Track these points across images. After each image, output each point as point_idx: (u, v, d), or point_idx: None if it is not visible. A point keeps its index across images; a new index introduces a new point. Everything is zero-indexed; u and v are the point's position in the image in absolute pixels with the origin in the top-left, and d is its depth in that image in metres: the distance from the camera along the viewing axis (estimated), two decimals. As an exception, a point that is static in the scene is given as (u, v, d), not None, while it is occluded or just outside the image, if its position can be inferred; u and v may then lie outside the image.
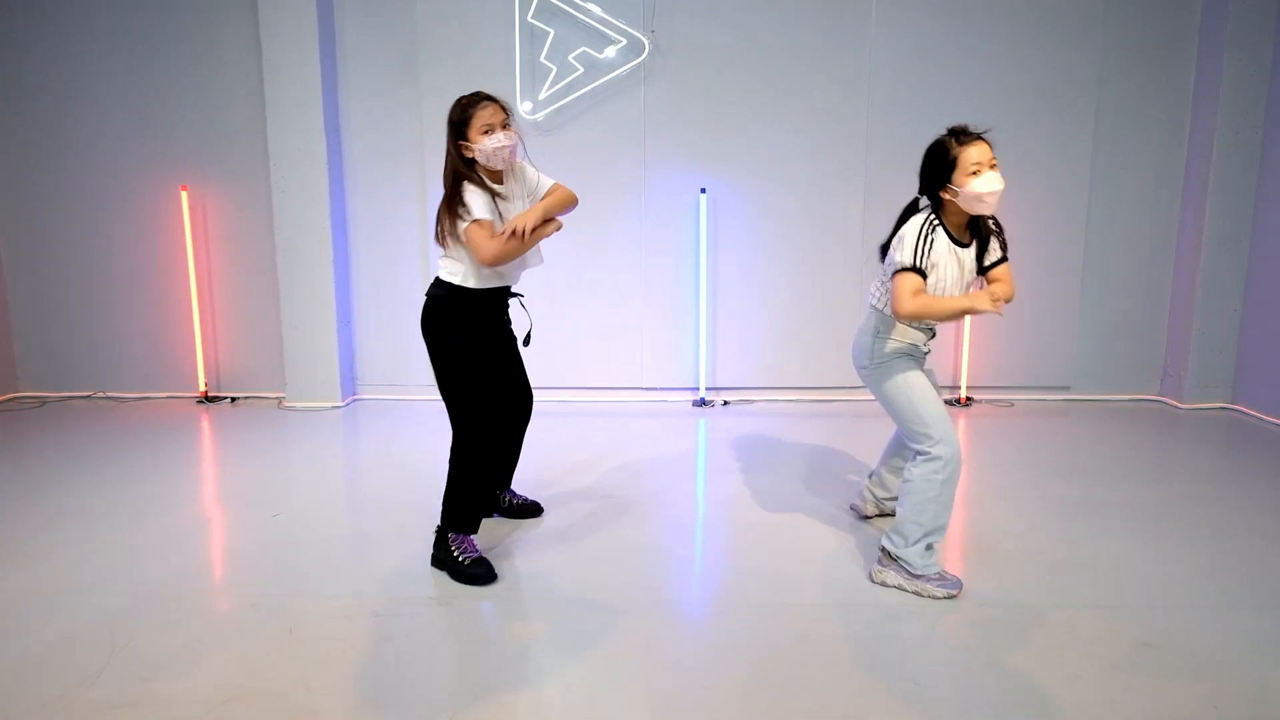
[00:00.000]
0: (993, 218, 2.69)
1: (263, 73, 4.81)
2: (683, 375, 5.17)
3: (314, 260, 4.94)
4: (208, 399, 5.21)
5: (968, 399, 5.04)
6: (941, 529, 2.59)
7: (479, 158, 2.66)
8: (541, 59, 4.80)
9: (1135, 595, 2.59)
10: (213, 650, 2.28)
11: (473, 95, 2.69)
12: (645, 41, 4.76)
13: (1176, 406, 4.97)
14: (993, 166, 2.49)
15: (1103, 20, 4.77)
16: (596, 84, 4.82)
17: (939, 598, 2.56)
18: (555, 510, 3.34)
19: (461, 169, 2.68)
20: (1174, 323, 5.04)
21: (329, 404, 5.06)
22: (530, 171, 2.85)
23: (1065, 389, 5.14)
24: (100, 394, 5.27)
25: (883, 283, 2.73)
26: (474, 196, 2.62)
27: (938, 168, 2.53)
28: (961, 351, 5.03)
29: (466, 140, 2.66)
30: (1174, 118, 4.89)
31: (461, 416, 2.76)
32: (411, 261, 5.12)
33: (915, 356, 2.74)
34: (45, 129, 5.04)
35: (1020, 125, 4.85)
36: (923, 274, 2.51)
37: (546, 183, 2.84)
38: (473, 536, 2.80)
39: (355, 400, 5.23)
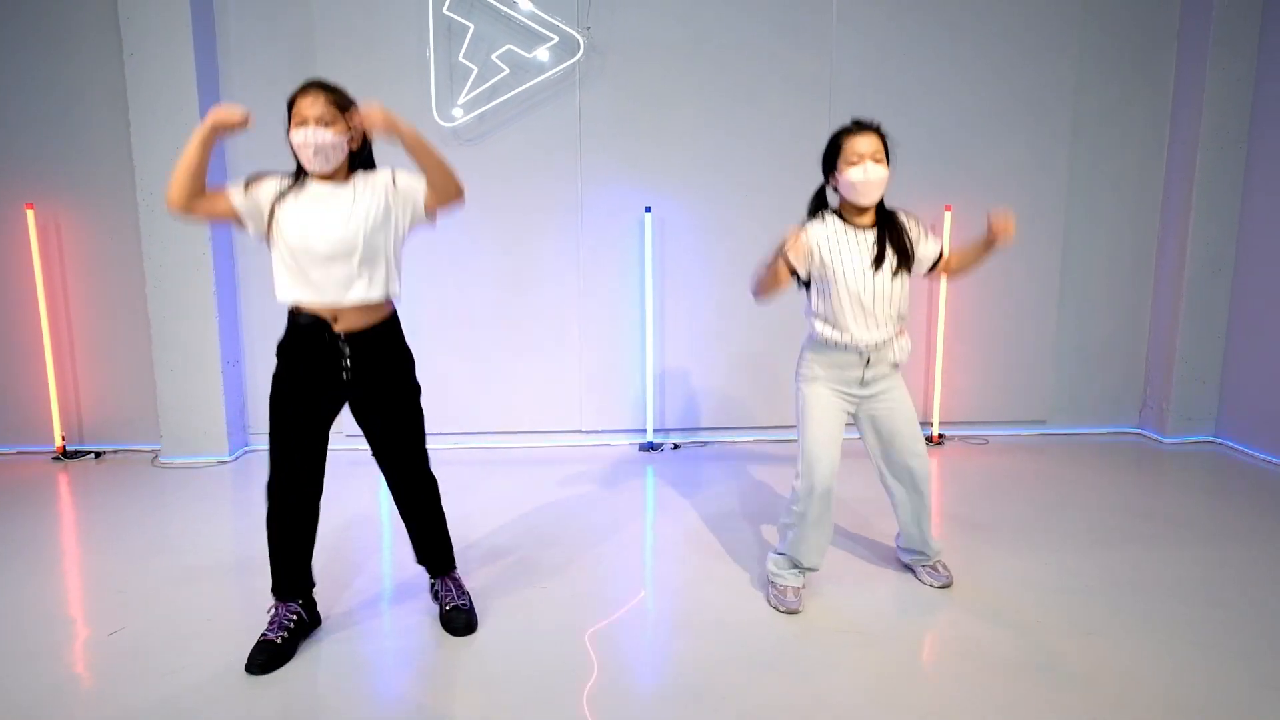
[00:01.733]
0: (902, 213, 2.63)
1: (124, 69, 4.05)
2: (627, 417, 4.59)
3: (192, 289, 4.19)
4: (65, 454, 4.39)
5: (940, 437, 4.59)
6: (803, 563, 2.65)
7: (295, 153, 2.29)
8: (460, 58, 4.16)
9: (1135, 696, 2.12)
10: None
11: (305, 82, 2.29)
12: (580, 39, 4.17)
13: (1159, 440, 4.62)
14: (876, 160, 2.47)
15: (1081, 21, 4.38)
16: (524, 87, 4.20)
17: (772, 605, 2.65)
18: (476, 571, 2.74)
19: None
20: (1154, 350, 4.69)
21: (214, 459, 4.31)
22: (383, 174, 2.38)
23: (1041, 423, 4.74)
24: (-70, 451, 4.41)
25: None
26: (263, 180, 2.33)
27: (828, 154, 2.56)
28: (934, 387, 4.58)
29: (289, 128, 2.28)
30: (1154, 129, 4.55)
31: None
32: (311, 290, 4.41)
33: (832, 384, 2.61)
34: None
35: (993, 136, 4.43)
36: (794, 274, 2.54)
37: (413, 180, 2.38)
38: (282, 606, 2.44)
39: (247, 452, 4.49)
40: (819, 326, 2.58)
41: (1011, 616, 2.61)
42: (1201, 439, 4.60)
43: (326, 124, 2.24)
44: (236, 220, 2.31)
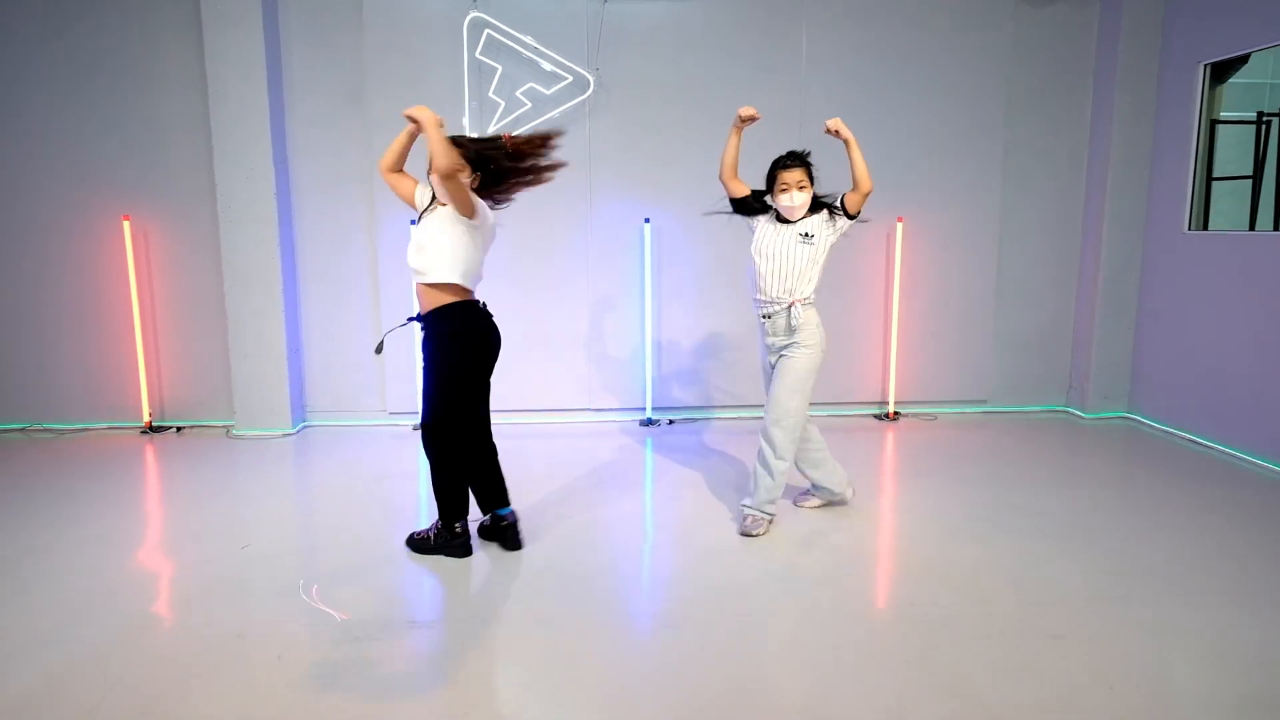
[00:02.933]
0: (829, 207, 3.43)
1: (208, 101, 4.85)
2: (629, 397, 5.38)
3: (264, 288, 4.98)
4: (152, 429, 5.17)
5: (895, 414, 5.39)
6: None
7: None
8: (490, 94, 4.97)
9: (1044, 593, 2.91)
10: (207, 679, 2.37)
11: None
12: (590, 79, 4.98)
13: (1081, 416, 5.43)
14: (800, 188, 3.27)
15: (1012, 60, 5.21)
16: (543, 119, 5.01)
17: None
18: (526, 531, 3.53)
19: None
20: (1078, 339, 5.51)
21: (280, 431, 5.09)
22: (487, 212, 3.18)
23: (983, 402, 5.55)
24: (37, 426, 5.17)
25: None
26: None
27: (769, 178, 3.38)
28: (889, 369, 5.39)
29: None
30: (1073, 153, 5.37)
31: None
32: (360, 289, 5.20)
33: (765, 345, 3.52)
34: (-22, 157, 4.96)
35: (938, 159, 5.25)
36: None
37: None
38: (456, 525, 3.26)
39: (306, 427, 5.27)
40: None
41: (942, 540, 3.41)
42: (1116, 415, 5.41)
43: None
44: (410, 198, 3.21)
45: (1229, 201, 4.98)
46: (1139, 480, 4.19)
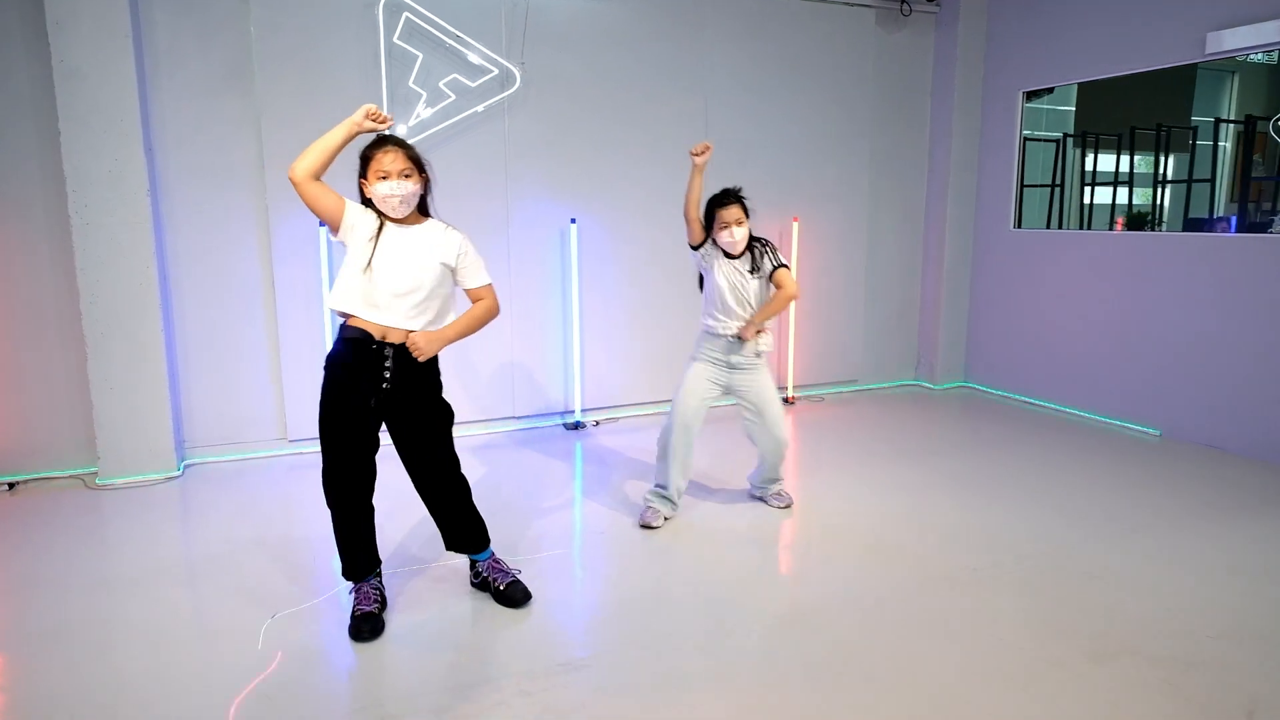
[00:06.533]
0: (762, 241, 3.56)
1: (52, 74, 3.87)
2: (554, 401, 5.26)
3: (137, 306, 4.11)
4: (-23, 488, 4.05)
5: (793, 399, 5.86)
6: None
7: (374, 200, 2.62)
8: (410, 84, 4.53)
9: (934, 536, 3.47)
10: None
11: (380, 137, 2.62)
12: (516, 72, 4.74)
13: (931, 388, 6.32)
14: (739, 223, 3.39)
15: (874, 79, 5.85)
16: (467, 113, 4.67)
17: (640, 524, 3.55)
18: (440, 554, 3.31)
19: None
20: (923, 323, 6.38)
21: (161, 475, 4.25)
22: (455, 241, 2.71)
23: (854, 381, 6.22)
24: None
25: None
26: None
27: (707, 215, 3.47)
28: (787, 361, 5.83)
29: (365, 179, 2.62)
30: (916, 162, 6.18)
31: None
32: (251, 300, 4.49)
33: (711, 360, 3.57)
34: None
35: (820, 164, 5.75)
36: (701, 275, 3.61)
37: (471, 277, 2.74)
38: (365, 584, 2.73)
39: (190, 465, 4.45)
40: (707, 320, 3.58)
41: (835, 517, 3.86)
42: (957, 384, 6.38)
43: (407, 176, 2.57)
44: (332, 220, 2.58)
45: (1025, 206, 6.10)
46: (978, 431, 5.06)
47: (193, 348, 4.43)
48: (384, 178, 2.55)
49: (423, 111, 4.57)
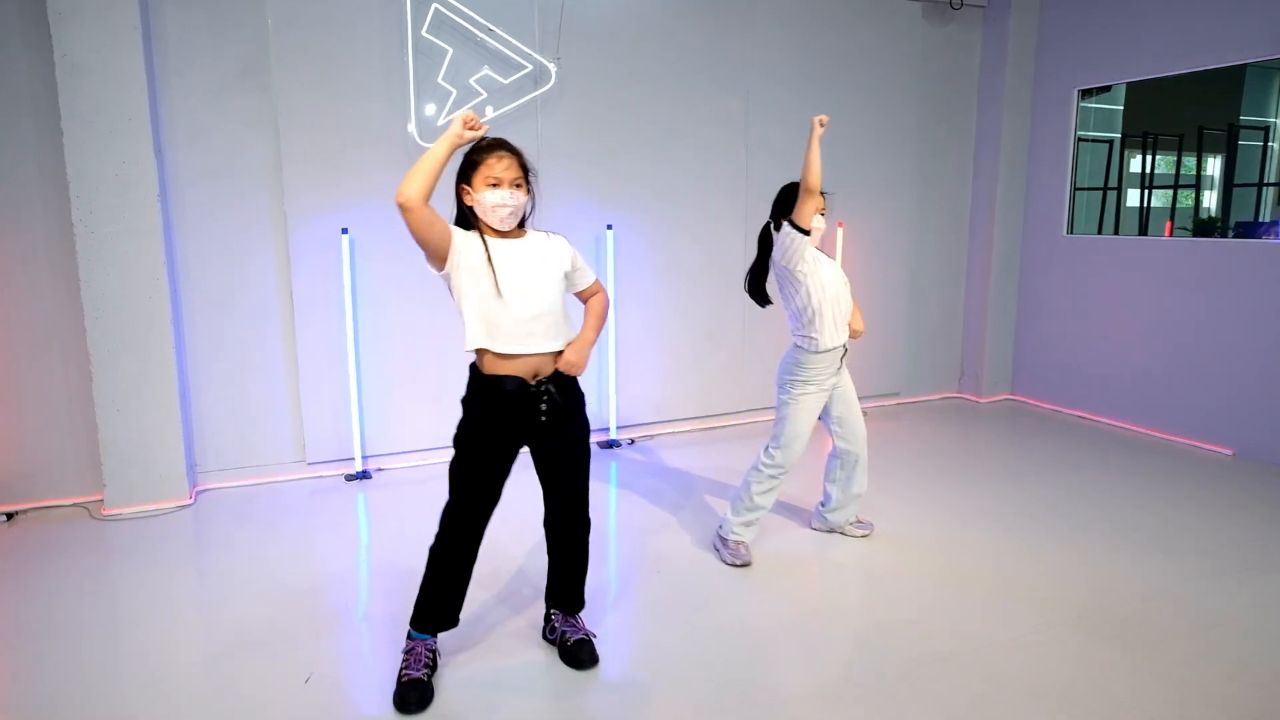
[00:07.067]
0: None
1: (54, 68, 3.55)
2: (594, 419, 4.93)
3: (145, 320, 3.79)
4: (-27, 519, 3.73)
5: (835, 412, 5.56)
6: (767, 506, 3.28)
7: (478, 209, 2.33)
8: (440, 80, 4.22)
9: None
10: None
11: (491, 140, 2.34)
12: (551, 68, 4.43)
13: (976, 401, 6.02)
14: (821, 213, 3.16)
15: (920, 76, 5.55)
16: (500, 112, 4.35)
17: (726, 561, 3.22)
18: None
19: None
20: (969, 334, 6.08)
21: (173, 503, 3.94)
22: (563, 250, 2.46)
23: (897, 394, 5.92)
24: None
25: (795, 318, 3.18)
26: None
27: (781, 208, 3.16)
28: (827, 370, 5.52)
29: (469, 185, 2.34)
30: (960, 165, 5.88)
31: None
32: (268, 314, 4.18)
33: (821, 387, 3.21)
34: None
35: (867, 169, 5.45)
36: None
37: (584, 279, 2.52)
38: (421, 644, 2.43)
39: (201, 492, 4.14)
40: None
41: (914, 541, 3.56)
42: (1003, 397, 6.08)
43: (518, 186, 2.31)
44: (440, 248, 2.26)
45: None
46: (1024, 444, 4.76)
47: (205, 365, 4.11)
48: (495, 185, 2.29)
49: (453, 110, 4.25)
